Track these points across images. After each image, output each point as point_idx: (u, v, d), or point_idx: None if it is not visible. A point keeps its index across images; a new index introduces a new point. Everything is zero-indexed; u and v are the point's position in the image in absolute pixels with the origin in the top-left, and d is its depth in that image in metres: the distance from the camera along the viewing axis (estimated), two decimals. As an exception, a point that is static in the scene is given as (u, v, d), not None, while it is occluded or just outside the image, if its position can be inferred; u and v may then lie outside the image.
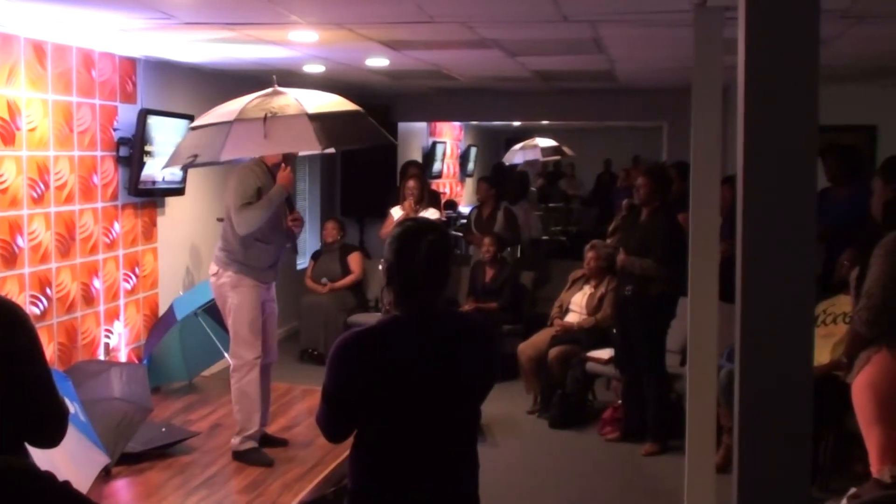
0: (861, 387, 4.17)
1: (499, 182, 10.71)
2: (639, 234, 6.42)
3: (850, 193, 6.39)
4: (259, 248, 5.47)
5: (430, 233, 2.75)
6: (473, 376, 2.80)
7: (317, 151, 5.20)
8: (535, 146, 14.43)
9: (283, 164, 5.42)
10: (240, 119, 4.88)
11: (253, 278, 5.48)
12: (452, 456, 2.80)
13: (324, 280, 9.07)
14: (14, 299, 5.57)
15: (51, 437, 2.49)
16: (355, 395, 2.69)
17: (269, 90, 5.06)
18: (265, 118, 4.77)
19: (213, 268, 5.60)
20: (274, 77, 5.27)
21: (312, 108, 4.87)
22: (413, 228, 2.78)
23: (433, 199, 9.21)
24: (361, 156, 9.43)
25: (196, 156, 5.01)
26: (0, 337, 2.33)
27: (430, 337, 2.74)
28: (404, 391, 2.68)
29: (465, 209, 14.28)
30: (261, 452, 5.55)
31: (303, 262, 10.41)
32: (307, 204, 10.98)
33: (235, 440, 5.56)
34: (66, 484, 1.80)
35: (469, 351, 2.80)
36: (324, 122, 4.83)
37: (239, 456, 5.52)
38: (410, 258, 2.71)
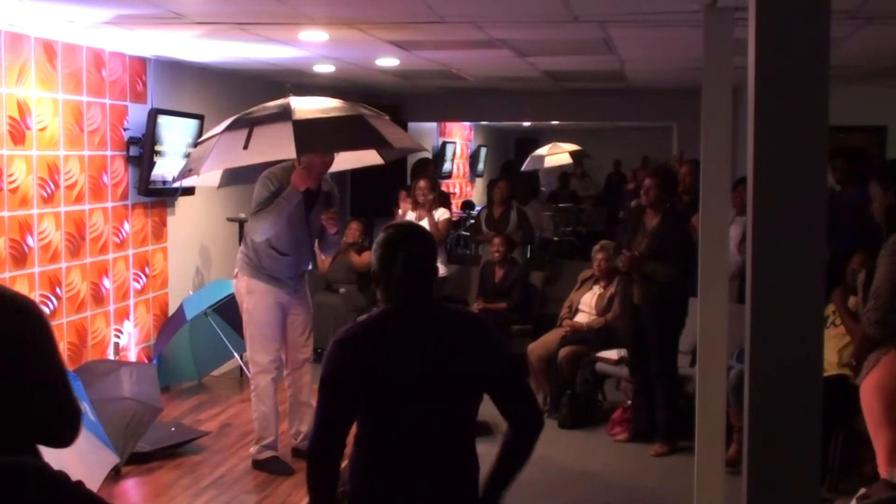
0: (869, 388, 4.16)
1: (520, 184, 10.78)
2: (649, 238, 6.32)
3: (856, 194, 6.37)
4: (275, 258, 5.33)
5: (409, 243, 2.75)
6: (467, 371, 2.76)
7: (292, 157, 4.94)
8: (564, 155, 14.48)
9: (295, 164, 5.21)
10: (228, 129, 4.81)
11: (268, 284, 5.36)
12: (450, 455, 2.79)
13: (342, 289, 9.01)
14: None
15: (62, 438, 2.45)
16: (351, 386, 2.70)
17: (282, 100, 4.95)
18: (251, 129, 4.67)
19: (235, 269, 5.55)
20: (288, 85, 5.17)
21: (302, 115, 4.71)
22: (393, 238, 2.77)
23: (442, 199, 9.18)
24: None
25: (191, 170, 4.99)
26: (10, 335, 2.31)
27: (419, 331, 2.74)
28: (397, 383, 2.69)
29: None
30: (280, 462, 5.43)
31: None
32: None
33: (253, 448, 5.48)
34: (80, 484, 1.80)
35: (463, 345, 2.78)
36: (307, 128, 4.65)
37: (258, 465, 5.43)
38: (389, 268, 2.73)
